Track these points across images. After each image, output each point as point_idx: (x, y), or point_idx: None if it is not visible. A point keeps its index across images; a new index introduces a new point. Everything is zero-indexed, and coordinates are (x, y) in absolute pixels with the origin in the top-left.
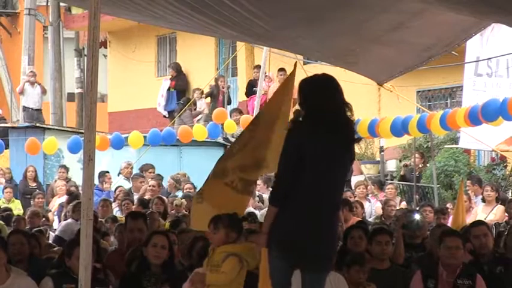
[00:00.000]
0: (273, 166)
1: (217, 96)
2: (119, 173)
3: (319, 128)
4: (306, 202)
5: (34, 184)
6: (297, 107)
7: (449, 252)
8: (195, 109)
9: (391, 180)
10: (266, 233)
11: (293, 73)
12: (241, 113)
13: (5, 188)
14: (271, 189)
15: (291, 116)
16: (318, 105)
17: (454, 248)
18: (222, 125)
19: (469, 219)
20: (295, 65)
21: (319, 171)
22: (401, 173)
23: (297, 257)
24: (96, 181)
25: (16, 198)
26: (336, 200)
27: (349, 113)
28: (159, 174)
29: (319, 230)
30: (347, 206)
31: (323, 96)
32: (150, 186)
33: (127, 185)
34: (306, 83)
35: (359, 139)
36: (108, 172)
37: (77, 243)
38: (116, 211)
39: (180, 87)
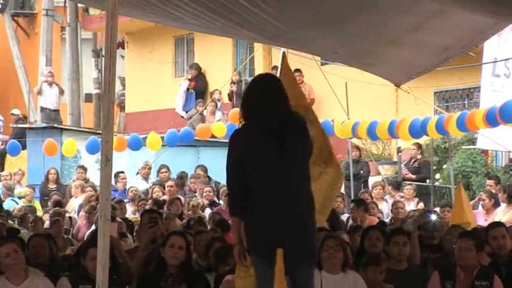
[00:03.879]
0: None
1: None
2: (137, 173)
3: (257, 128)
4: (260, 202)
5: (54, 186)
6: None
7: (459, 253)
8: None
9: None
10: (238, 243)
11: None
12: None
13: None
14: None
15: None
16: (253, 106)
17: (463, 249)
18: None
19: (489, 220)
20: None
21: (265, 170)
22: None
23: (271, 253)
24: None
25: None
26: (293, 193)
27: (288, 108)
28: None
29: (282, 224)
30: (362, 206)
31: (257, 96)
32: (168, 186)
33: (144, 185)
34: (246, 87)
35: (302, 131)
36: (122, 172)
37: (91, 244)
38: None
39: (199, 88)
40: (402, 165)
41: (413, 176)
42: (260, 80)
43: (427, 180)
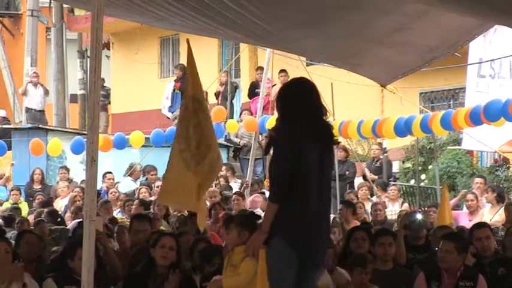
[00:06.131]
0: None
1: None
2: (129, 174)
3: (306, 128)
4: (305, 201)
5: (39, 186)
6: None
7: (441, 256)
8: None
9: (394, 181)
10: (266, 232)
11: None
12: (251, 114)
13: (12, 189)
14: (270, 187)
15: None
16: (295, 110)
17: (444, 251)
18: (223, 124)
19: (475, 221)
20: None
21: (313, 171)
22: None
23: (303, 250)
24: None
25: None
26: (328, 197)
27: (325, 116)
28: None
29: (320, 227)
30: (350, 208)
31: (302, 97)
32: (157, 187)
33: (134, 186)
34: (283, 89)
35: (337, 142)
36: (110, 173)
37: (79, 244)
38: (117, 212)
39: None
40: (364, 165)
41: (375, 176)
42: (302, 83)
43: (412, 181)
